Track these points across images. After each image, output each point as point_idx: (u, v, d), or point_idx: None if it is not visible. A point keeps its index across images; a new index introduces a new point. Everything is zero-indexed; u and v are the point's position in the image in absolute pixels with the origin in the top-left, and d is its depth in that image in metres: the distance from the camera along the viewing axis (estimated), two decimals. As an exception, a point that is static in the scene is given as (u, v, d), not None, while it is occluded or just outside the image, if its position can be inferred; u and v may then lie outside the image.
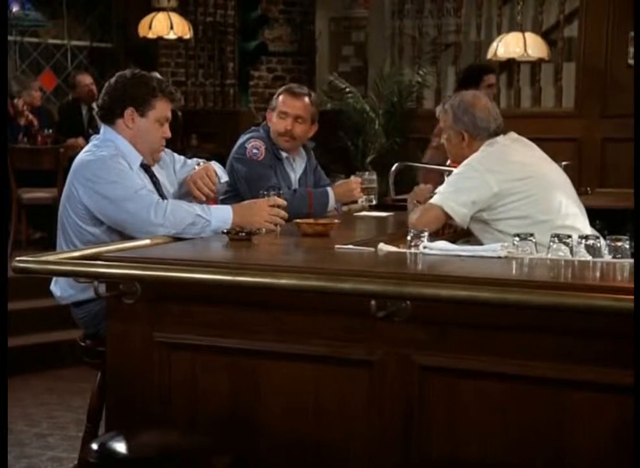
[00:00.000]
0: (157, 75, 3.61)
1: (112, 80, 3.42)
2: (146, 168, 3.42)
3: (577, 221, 3.41)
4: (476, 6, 8.98)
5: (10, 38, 8.26)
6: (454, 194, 3.35)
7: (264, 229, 3.25)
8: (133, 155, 3.36)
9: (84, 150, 3.40)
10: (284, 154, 4.18)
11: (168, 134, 3.44)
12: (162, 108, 3.38)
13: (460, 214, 3.32)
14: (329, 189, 4.13)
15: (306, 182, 4.27)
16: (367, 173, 4.14)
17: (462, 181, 3.38)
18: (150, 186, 3.38)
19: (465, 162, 3.43)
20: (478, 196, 3.32)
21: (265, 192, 3.43)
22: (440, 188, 3.42)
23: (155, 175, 3.46)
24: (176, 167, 3.63)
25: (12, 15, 7.74)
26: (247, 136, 4.18)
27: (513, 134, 3.54)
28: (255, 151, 4.06)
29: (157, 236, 3.14)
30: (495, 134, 3.48)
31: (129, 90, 3.36)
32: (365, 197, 4.08)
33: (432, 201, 3.36)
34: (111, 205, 3.20)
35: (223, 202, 4.00)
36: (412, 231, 2.82)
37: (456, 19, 9.08)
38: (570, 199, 3.46)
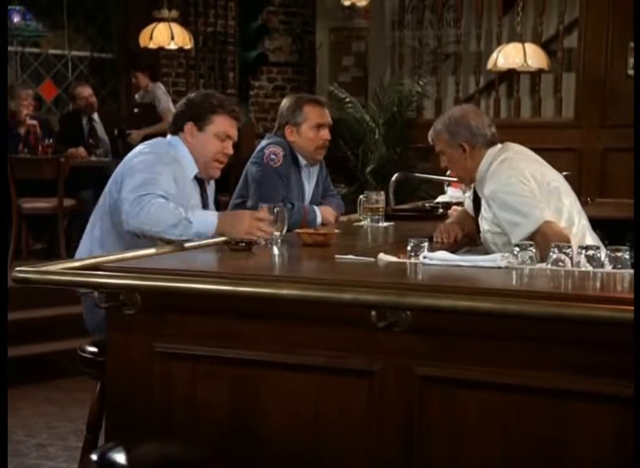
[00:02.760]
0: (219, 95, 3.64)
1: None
2: (200, 181, 3.51)
3: (588, 231, 3.43)
4: (476, 17, 9.00)
5: (10, 48, 8.28)
6: (534, 207, 3.26)
7: (262, 241, 3.14)
8: (191, 165, 3.45)
9: (141, 144, 3.50)
10: (304, 163, 4.16)
11: (230, 151, 3.49)
12: (220, 124, 3.46)
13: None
14: (316, 207, 4.14)
15: (317, 192, 4.27)
16: (374, 193, 4.08)
17: (523, 198, 3.28)
18: (196, 200, 3.45)
19: (504, 187, 3.31)
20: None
21: (262, 205, 3.29)
22: (512, 221, 3.26)
23: (206, 192, 3.54)
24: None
25: (13, 25, 7.76)
26: (268, 141, 4.16)
27: (510, 145, 3.50)
28: (273, 156, 4.05)
29: (161, 245, 3.14)
30: (493, 142, 3.43)
31: (191, 106, 3.50)
32: (369, 216, 4.02)
33: (529, 229, 3.21)
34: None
35: (237, 206, 4.03)
36: (412, 240, 2.79)
37: (456, 29, 9.11)
38: (580, 209, 3.48)
